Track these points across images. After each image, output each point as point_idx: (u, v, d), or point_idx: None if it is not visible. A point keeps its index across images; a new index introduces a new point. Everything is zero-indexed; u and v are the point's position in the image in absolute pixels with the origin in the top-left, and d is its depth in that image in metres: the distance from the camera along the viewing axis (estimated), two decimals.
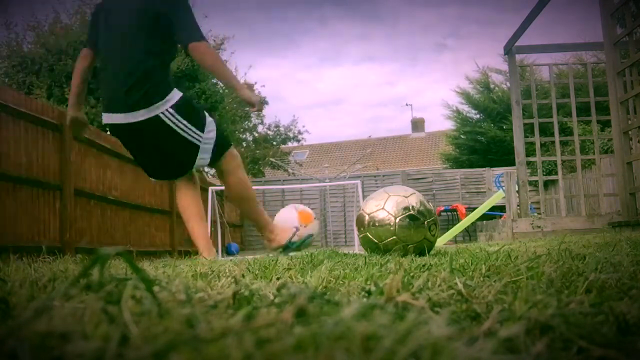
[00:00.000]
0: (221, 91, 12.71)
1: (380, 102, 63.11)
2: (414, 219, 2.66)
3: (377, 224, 2.69)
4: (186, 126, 3.02)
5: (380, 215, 2.69)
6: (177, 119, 3.00)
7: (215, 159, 3.16)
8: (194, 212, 3.28)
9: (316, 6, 68.68)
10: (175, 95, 3.05)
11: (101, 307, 0.48)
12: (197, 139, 3.05)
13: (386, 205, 2.70)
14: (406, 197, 2.73)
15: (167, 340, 0.37)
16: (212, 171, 20.97)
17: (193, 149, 3.06)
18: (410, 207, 2.67)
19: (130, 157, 3.38)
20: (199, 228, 3.26)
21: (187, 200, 3.30)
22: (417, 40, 66.84)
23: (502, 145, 16.93)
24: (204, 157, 3.10)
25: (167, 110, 2.99)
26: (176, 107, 3.02)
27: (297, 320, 0.47)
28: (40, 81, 10.37)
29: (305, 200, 14.48)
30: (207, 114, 3.19)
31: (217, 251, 8.05)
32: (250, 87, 3.22)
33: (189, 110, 3.08)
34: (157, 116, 2.97)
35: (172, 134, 3.00)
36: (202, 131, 3.07)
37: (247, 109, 2.95)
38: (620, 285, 0.86)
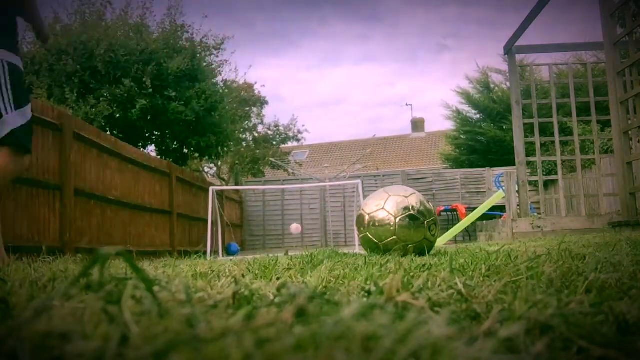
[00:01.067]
0: (221, 91, 12.71)
1: (380, 102, 63.07)
2: (414, 219, 2.66)
3: (377, 224, 2.69)
4: (6, 90, 2.73)
5: (380, 215, 2.69)
6: (5, 77, 2.74)
7: (20, 145, 2.79)
8: None
9: (316, 6, 68.65)
10: (17, 60, 2.82)
11: (101, 307, 0.48)
12: (5, 108, 2.74)
13: (386, 205, 2.70)
14: (406, 197, 2.73)
15: (167, 340, 0.37)
16: (212, 171, 21.01)
17: None
18: (410, 207, 2.67)
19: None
20: None
21: None
22: (417, 40, 66.81)
23: (502, 145, 16.93)
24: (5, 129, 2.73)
25: (3, 61, 2.74)
26: (11, 66, 2.77)
27: (297, 320, 0.47)
28: (40, 81, 10.36)
29: (305, 200, 14.49)
30: (30, 105, 2.91)
31: (217, 251, 8.06)
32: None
33: (20, 82, 2.82)
34: None
35: None
36: (17, 108, 2.77)
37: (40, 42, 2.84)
38: (620, 285, 0.86)
